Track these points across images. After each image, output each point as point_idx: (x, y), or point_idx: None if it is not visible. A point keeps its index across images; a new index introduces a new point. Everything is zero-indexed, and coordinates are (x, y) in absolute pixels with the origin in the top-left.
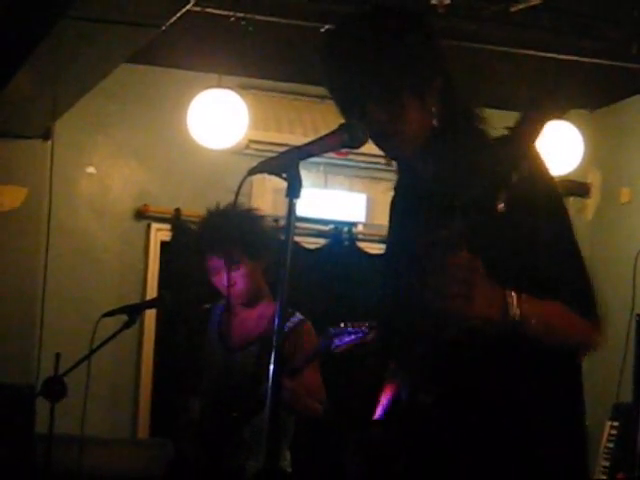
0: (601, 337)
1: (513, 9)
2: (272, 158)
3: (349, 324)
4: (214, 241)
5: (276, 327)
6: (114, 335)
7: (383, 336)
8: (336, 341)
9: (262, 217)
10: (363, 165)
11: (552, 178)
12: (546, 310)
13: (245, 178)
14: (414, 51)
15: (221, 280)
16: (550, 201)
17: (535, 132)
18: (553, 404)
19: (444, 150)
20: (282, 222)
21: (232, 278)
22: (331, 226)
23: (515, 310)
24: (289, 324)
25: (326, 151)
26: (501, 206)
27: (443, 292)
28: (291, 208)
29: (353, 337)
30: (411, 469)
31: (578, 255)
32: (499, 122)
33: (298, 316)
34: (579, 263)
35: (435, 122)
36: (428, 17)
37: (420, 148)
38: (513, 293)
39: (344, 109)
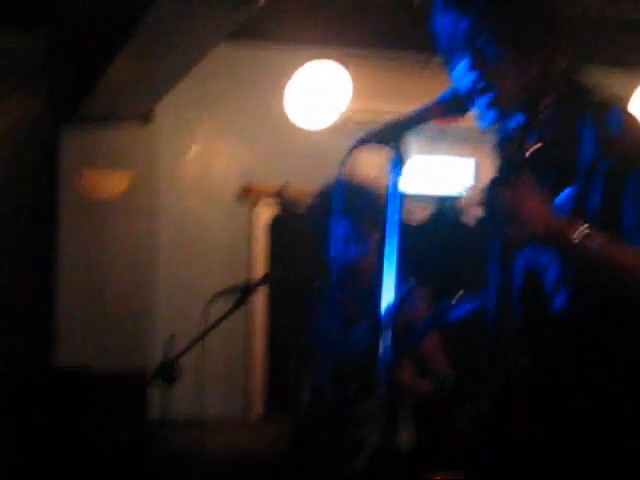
0: None
1: None
2: (377, 129)
3: (465, 294)
4: (345, 209)
5: (390, 300)
6: (226, 315)
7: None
8: (453, 310)
9: (381, 188)
10: (469, 129)
11: None
12: (616, 243)
13: (352, 149)
14: (523, 8)
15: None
16: None
17: None
18: None
19: (548, 115)
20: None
21: (362, 250)
22: (435, 201)
23: (576, 233)
24: (402, 292)
25: (432, 119)
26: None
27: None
28: (397, 179)
29: (470, 306)
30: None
31: None
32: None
33: (411, 281)
34: None
35: (535, 82)
36: None
37: (520, 109)
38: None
39: (449, 59)
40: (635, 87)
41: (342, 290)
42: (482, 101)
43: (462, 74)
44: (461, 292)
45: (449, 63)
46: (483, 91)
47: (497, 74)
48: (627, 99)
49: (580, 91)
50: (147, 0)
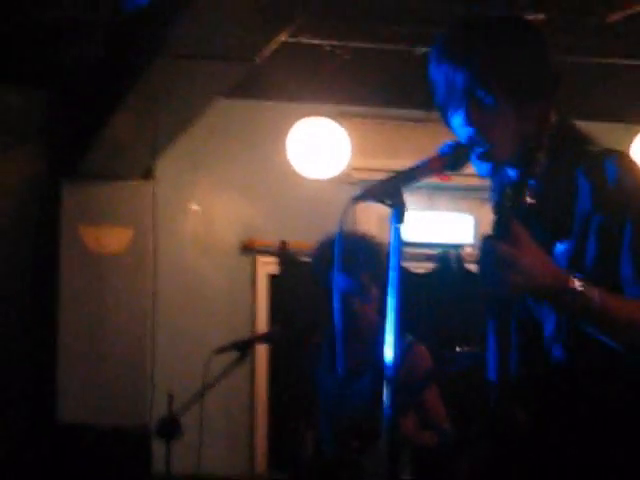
0: None
1: (610, 19)
2: (375, 185)
3: (464, 347)
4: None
5: (390, 355)
6: (226, 372)
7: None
8: (451, 364)
9: (382, 243)
10: (469, 186)
11: None
12: (614, 296)
13: (349, 206)
14: (521, 59)
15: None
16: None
17: None
18: None
19: (543, 169)
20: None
21: (364, 307)
22: (439, 250)
23: (575, 283)
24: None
25: (429, 175)
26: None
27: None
28: (397, 234)
29: (468, 361)
30: None
31: None
32: (601, 135)
33: (408, 338)
34: None
35: (530, 138)
36: (539, 27)
37: (515, 166)
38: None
39: (445, 112)
40: (631, 141)
41: (343, 344)
42: (478, 154)
43: (459, 127)
44: (461, 345)
45: (446, 117)
46: (479, 145)
47: (493, 129)
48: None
49: (574, 143)
50: (144, 59)
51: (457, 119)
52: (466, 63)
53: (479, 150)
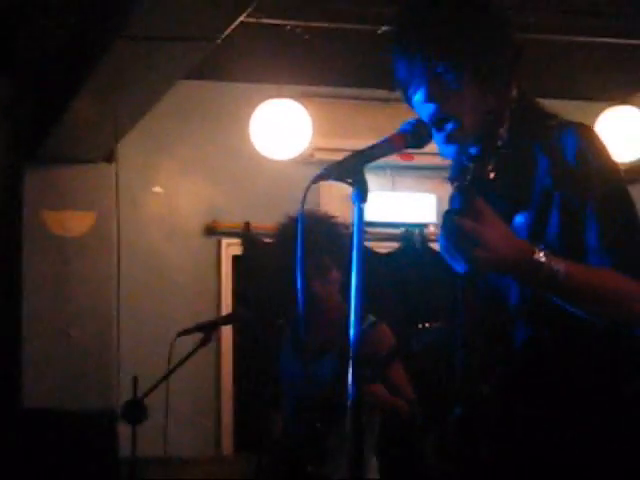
0: None
1: None
2: (336, 164)
3: (426, 324)
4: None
5: (352, 333)
6: (191, 354)
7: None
8: (415, 340)
9: (343, 224)
10: (431, 165)
11: (609, 159)
12: (579, 266)
13: (309, 186)
14: (481, 33)
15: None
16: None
17: None
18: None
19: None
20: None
21: (325, 289)
22: (402, 229)
23: (540, 254)
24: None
25: (390, 153)
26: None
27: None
28: (359, 213)
29: (431, 337)
30: (490, 463)
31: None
32: (563, 112)
33: (371, 318)
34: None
35: (492, 112)
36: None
37: (477, 141)
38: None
39: (407, 91)
40: (595, 118)
41: (305, 325)
42: (441, 133)
43: (420, 105)
44: (425, 322)
45: (407, 95)
46: (442, 122)
47: (455, 104)
48: None
49: (535, 117)
50: (104, 41)
51: (419, 96)
52: (425, 39)
53: (443, 129)
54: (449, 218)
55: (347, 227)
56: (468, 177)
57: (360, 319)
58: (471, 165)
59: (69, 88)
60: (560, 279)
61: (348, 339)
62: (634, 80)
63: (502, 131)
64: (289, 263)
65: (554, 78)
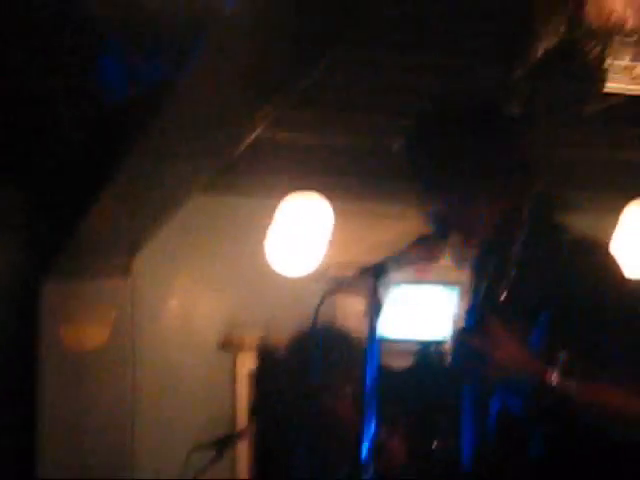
0: None
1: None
2: (348, 278)
3: (440, 442)
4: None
5: (364, 455)
6: (203, 471)
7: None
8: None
9: (357, 339)
10: (449, 280)
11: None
12: (594, 387)
13: (323, 300)
14: (489, 146)
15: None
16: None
17: None
18: None
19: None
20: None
21: (337, 404)
22: (418, 345)
23: (552, 376)
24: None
25: (408, 264)
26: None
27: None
28: (372, 328)
29: (444, 455)
30: None
31: None
32: (578, 225)
33: (383, 434)
34: None
35: (500, 223)
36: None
37: (489, 252)
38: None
39: (421, 202)
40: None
41: (319, 440)
42: (454, 243)
43: (434, 217)
44: (438, 439)
45: (421, 206)
46: (454, 233)
47: (466, 216)
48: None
49: (552, 230)
50: (116, 159)
51: (433, 209)
52: (436, 154)
53: (456, 240)
54: (461, 336)
55: (362, 341)
56: (480, 295)
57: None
58: (483, 283)
59: (84, 203)
60: (571, 401)
61: (359, 457)
62: None
63: (514, 249)
64: (301, 378)
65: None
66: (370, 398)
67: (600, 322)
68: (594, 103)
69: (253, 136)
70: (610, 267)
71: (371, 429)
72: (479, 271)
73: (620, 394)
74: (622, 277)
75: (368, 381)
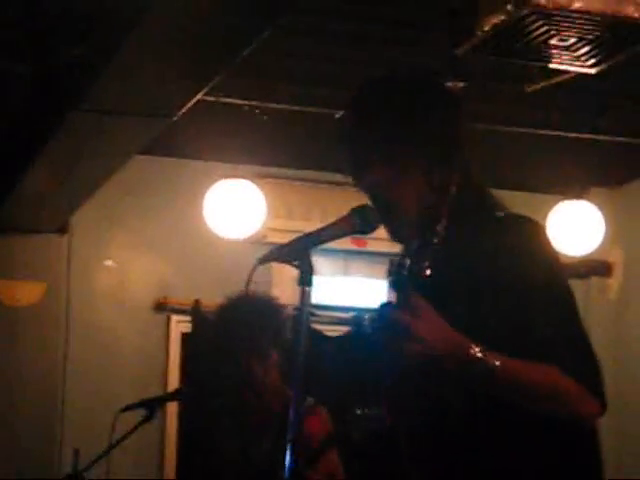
0: (600, 408)
1: (529, 89)
2: (282, 246)
3: (365, 410)
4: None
5: (291, 417)
6: (133, 430)
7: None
8: (354, 427)
9: (285, 306)
10: (383, 252)
11: (551, 255)
12: (520, 362)
13: (255, 267)
14: (428, 122)
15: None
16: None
17: None
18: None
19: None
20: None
21: (264, 371)
22: (352, 313)
23: (476, 349)
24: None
25: (337, 237)
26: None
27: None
28: (304, 296)
29: (369, 423)
30: None
31: (579, 326)
32: (516, 204)
33: (309, 401)
34: (578, 332)
35: (430, 208)
36: (453, 93)
37: (419, 227)
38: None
39: (355, 176)
40: (548, 211)
41: (244, 408)
42: (386, 218)
43: (367, 191)
44: (363, 407)
45: (356, 180)
46: (385, 207)
47: (395, 194)
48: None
49: (479, 210)
50: (59, 114)
51: (366, 182)
52: (374, 126)
53: (387, 214)
54: (384, 311)
55: (290, 309)
56: (404, 271)
57: (301, 400)
58: (407, 260)
59: (23, 160)
60: (496, 375)
61: (286, 424)
62: (589, 175)
63: (439, 227)
64: (228, 344)
65: (510, 169)
66: (297, 366)
67: (527, 298)
68: (537, 81)
69: (195, 99)
70: (542, 244)
71: (296, 397)
72: (407, 245)
73: (540, 370)
74: (554, 254)
75: (296, 348)
